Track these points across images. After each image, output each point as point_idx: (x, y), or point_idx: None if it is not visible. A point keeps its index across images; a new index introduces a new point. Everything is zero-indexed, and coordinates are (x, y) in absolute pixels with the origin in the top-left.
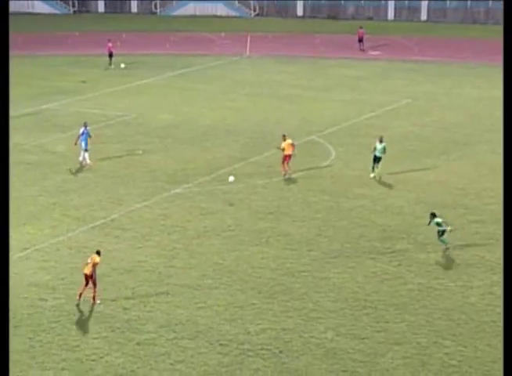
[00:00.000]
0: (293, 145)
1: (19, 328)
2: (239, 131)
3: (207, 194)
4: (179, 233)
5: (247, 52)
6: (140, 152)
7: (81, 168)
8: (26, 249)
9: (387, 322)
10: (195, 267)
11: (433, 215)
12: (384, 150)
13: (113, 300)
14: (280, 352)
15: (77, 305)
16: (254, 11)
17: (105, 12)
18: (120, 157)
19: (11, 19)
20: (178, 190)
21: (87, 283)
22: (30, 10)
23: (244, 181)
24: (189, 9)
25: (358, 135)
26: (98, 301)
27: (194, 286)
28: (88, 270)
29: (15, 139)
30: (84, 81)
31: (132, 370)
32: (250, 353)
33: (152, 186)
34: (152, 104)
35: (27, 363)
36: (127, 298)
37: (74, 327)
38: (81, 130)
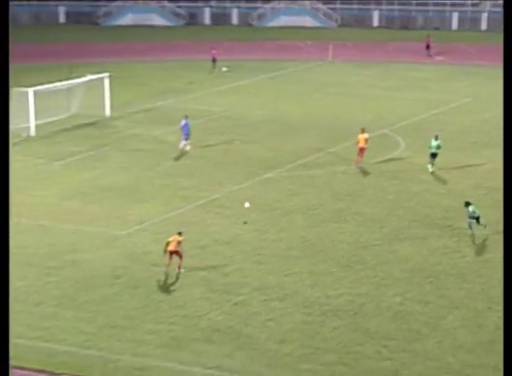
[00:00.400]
0: (366, 140)
1: (136, 289)
2: (321, 126)
3: (294, 178)
4: (270, 212)
5: (330, 58)
6: (237, 142)
7: (185, 154)
8: (143, 222)
9: (447, 289)
10: (283, 240)
11: (467, 204)
12: (438, 146)
13: (214, 267)
14: (355, 313)
15: (165, 273)
16: (336, 22)
17: (210, 24)
18: (221, 146)
19: (134, 30)
20: (269, 175)
21: (170, 259)
22: (149, 23)
23: (325, 168)
24: (281, 21)
25: (424, 129)
26: (182, 270)
27: (282, 256)
28: (173, 247)
29: (135, 130)
30: (191, 83)
31: (230, 326)
32: (329, 314)
33: (247, 171)
34: (248, 102)
35: (143, 317)
36: (225, 266)
37: (182, 289)
38: (182, 122)
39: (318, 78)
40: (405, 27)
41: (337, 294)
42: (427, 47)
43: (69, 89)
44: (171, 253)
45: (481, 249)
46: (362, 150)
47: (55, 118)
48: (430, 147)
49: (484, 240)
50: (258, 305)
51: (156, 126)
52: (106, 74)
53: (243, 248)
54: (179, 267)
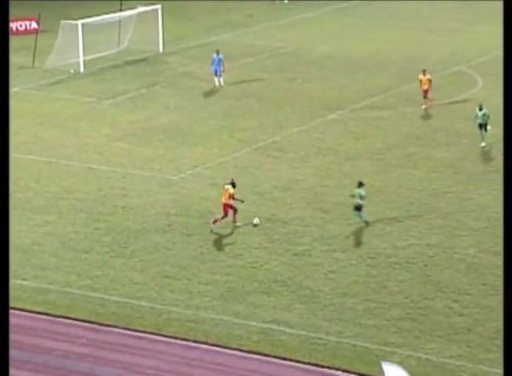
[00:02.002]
0: (430, 81)
1: (190, 237)
2: (390, 62)
3: (359, 120)
4: (333, 156)
5: None
6: (299, 80)
7: (245, 94)
8: (196, 167)
9: None
10: (347, 186)
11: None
12: (485, 116)
13: (273, 215)
14: (425, 265)
15: (211, 231)
16: None
17: None
18: (281, 85)
19: None
20: (332, 116)
21: (226, 214)
22: None
23: (394, 108)
24: None
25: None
26: (238, 224)
27: (346, 204)
28: (224, 199)
29: (189, 67)
30: (250, 15)
31: (289, 278)
32: (396, 266)
33: (309, 111)
34: (310, 37)
35: (198, 267)
36: (285, 213)
37: (239, 237)
38: (213, 57)
39: (387, 11)
40: None
41: (406, 244)
42: None
43: (119, 22)
44: (224, 207)
45: None
46: (426, 91)
47: (105, 53)
48: (476, 117)
49: None
50: (320, 256)
51: (206, 63)
52: (159, 6)
53: (303, 195)
54: (234, 221)
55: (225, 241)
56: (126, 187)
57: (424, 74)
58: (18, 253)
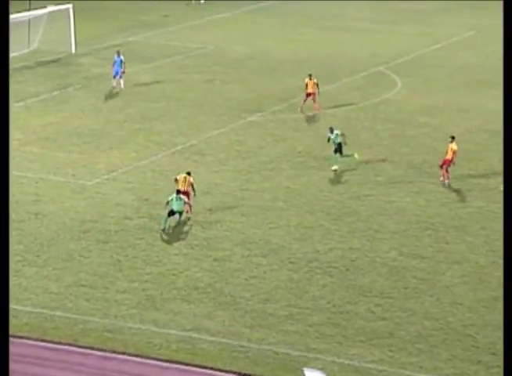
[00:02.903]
0: (316, 84)
1: (107, 244)
2: (308, 63)
3: (279, 122)
4: (253, 159)
5: None
6: (217, 82)
7: (163, 96)
8: (112, 172)
9: (447, 243)
10: (267, 190)
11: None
12: (338, 137)
13: (192, 219)
14: (347, 269)
15: (189, 219)
16: None
17: None
18: (199, 86)
19: None
20: (252, 118)
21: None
22: None
23: (313, 110)
24: None
25: (423, 66)
26: (189, 215)
27: (267, 207)
28: (182, 187)
29: (103, 68)
30: (166, 15)
31: (210, 284)
32: (318, 270)
33: (228, 114)
34: (228, 37)
35: (115, 275)
36: (204, 218)
37: (157, 243)
38: (114, 58)
39: (304, 11)
40: None
41: (327, 248)
42: None
43: (29, 22)
44: (184, 194)
45: (484, 199)
46: (309, 95)
47: (15, 54)
48: (329, 141)
49: (489, 190)
50: (240, 262)
51: (128, 64)
52: (70, 5)
53: (223, 199)
54: (187, 211)
55: (142, 247)
56: (39, 193)
57: (310, 78)
58: None
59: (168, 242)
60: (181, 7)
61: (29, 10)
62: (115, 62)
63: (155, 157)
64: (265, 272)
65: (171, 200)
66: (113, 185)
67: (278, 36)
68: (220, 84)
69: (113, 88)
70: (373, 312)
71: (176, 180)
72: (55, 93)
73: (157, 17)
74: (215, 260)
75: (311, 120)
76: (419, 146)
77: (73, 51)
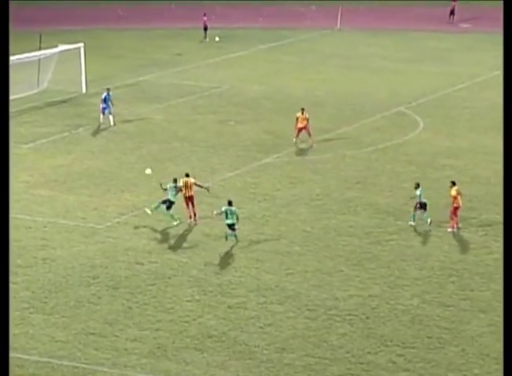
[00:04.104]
0: (307, 119)
1: (117, 290)
2: (327, 103)
3: (296, 164)
4: (269, 202)
5: (338, 26)
6: (232, 123)
7: (175, 137)
8: (123, 215)
9: (472, 290)
10: (284, 234)
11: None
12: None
13: (206, 265)
14: (367, 317)
15: (194, 226)
16: None
17: None
18: (213, 127)
19: None
20: (268, 160)
21: (188, 205)
22: None
23: (332, 151)
24: None
25: (446, 106)
26: (196, 222)
27: (283, 252)
28: (190, 192)
29: (115, 109)
30: (179, 54)
31: (224, 332)
32: (337, 318)
33: (243, 155)
34: (244, 76)
35: (125, 322)
36: (218, 263)
37: (169, 290)
38: (104, 95)
39: (324, 49)
40: None
41: (346, 295)
42: (451, 13)
43: (39, 61)
44: (189, 200)
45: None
46: (300, 130)
47: (24, 94)
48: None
49: None
50: (256, 309)
51: (139, 104)
52: (81, 44)
53: (238, 244)
54: (195, 215)
55: (154, 294)
56: (47, 237)
57: (302, 113)
58: None
59: (181, 288)
60: (194, 45)
61: (39, 49)
62: (105, 99)
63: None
64: (281, 319)
65: (169, 187)
66: (124, 228)
67: (295, 75)
68: (234, 124)
69: (101, 124)
70: (394, 362)
71: (181, 189)
72: (65, 134)
73: (170, 56)
74: (229, 307)
75: (329, 161)
76: (441, 190)
77: (84, 91)
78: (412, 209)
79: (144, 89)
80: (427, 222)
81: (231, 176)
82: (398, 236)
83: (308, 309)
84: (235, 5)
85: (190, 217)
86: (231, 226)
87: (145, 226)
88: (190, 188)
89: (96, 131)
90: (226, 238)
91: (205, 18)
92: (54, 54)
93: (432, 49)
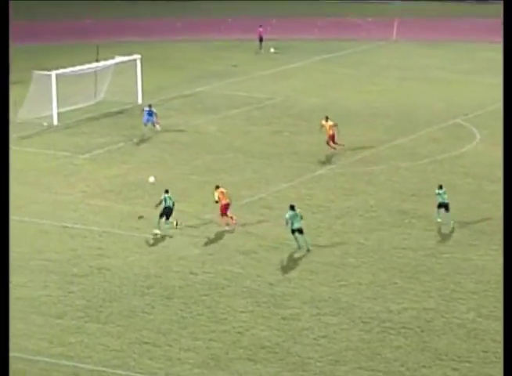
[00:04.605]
0: (335, 125)
1: (171, 300)
2: (384, 114)
3: (350, 175)
4: (323, 213)
5: (394, 37)
6: (287, 134)
7: (230, 148)
8: (178, 224)
9: None
10: (338, 246)
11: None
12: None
13: (259, 276)
14: (422, 331)
15: (232, 232)
16: None
17: None
18: (267, 138)
19: (169, 4)
20: (322, 171)
21: (226, 213)
22: None
23: (387, 163)
24: None
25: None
26: (234, 224)
27: (337, 264)
28: (226, 199)
29: (171, 119)
30: (235, 65)
31: (277, 344)
32: (391, 331)
33: (297, 166)
34: (299, 87)
35: (179, 332)
36: (272, 274)
37: (222, 300)
38: (145, 109)
39: (379, 60)
40: (482, 0)
41: (401, 308)
42: None
43: (96, 73)
44: (226, 207)
45: None
46: (332, 137)
47: (81, 105)
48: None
49: None
50: (309, 320)
51: (195, 115)
52: (138, 56)
53: (292, 255)
54: (232, 218)
55: (207, 304)
56: (102, 247)
57: (327, 121)
58: None
59: (234, 298)
60: (250, 56)
61: (97, 61)
62: (145, 112)
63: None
64: (334, 331)
65: (164, 199)
66: (177, 238)
67: (351, 86)
68: (289, 135)
69: (144, 135)
70: None
71: (216, 201)
72: (120, 145)
73: (226, 67)
74: (283, 318)
75: (383, 173)
76: (498, 203)
77: (140, 102)
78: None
79: (200, 100)
80: (449, 224)
81: (285, 187)
82: (454, 249)
83: (362, 322)
84: (290, 17)
85: (227, 224)
86: (299, 231)
87: (198, 236)
88: (226, 196)
89: (151, 142)
90: (299, 246)
91: (261, 29)
92: (111, 65)
93: (489, 60)
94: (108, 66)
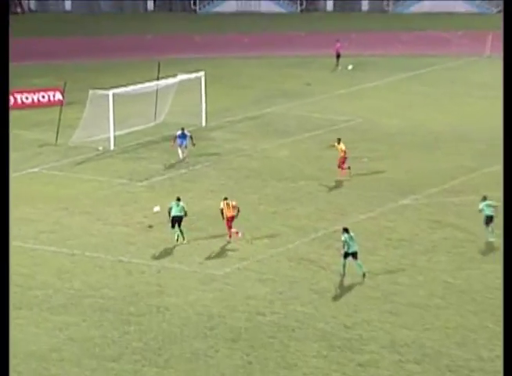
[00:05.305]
0: (344, 151)
1: (236, 343)
2: (473, 138)
3: (437, 206)
4: (406, 248)
5: (488, 52)
6: (365, 159)
7: (302, 175)
8: (243, 260)
9: None
10: (422, 285)
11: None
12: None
13: (334, 317)
14: None
15: (229, 243)
16: (497, 7)
17: (333, 11)
18: (344, 164)
19: (237, 18)
20: (405, 201)
21: (230, 225)
22: (257, 9)
23: (478, 193)
24: (424, 5)
25: None
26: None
27: (421, 305)
28: (231, 212)
29: (237, 143)
30: (308, 84)
31: None
32: None
33: (377, 196)
34: (379, 108)
35: None
36: (348, 316)
37: (292, 344)
38: (178, 133)
39: (470, 78)
40: None
41: (493, 356)
42: None
43: (157, 92)
44: (231, 220)
45: None
46: (343, 160)
47: (140, 128)
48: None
49: None
50: (390, 368)
51: (263, 138)
52: (202, 73)
53: (370, 294)
54: (237, 233)
55: (276, 348)
56: (161, 284)
57: (339, 143)
58: (34, 361)
59: (305, 342)
60: (325, 74)
61: (158, 79)
62: (179, 136)
63: (292, 244)
64: None
65: (171, 208)
66: (244, 275)
67: (436, 107)
68: (368, 162)
69: (184, 159)
70: None
71: (222, 213)
72: (182, 171)
73: (298, 86)
74: (359, 364)
75: (473, 204)
76: None
77: (204, 124)
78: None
79: (269, 122)
80: (490, 237)
81: (363, 219)
82: None
83: (450, 370)
84: (371, 31)
85: (230, 236)
86: (354, 255)
87: (266, 272)
88: (232, 209)
89: (216, 168)
90: (364, 275)
91: (338, 44)
92: (173, 84)
93: None
94: (170, 85)
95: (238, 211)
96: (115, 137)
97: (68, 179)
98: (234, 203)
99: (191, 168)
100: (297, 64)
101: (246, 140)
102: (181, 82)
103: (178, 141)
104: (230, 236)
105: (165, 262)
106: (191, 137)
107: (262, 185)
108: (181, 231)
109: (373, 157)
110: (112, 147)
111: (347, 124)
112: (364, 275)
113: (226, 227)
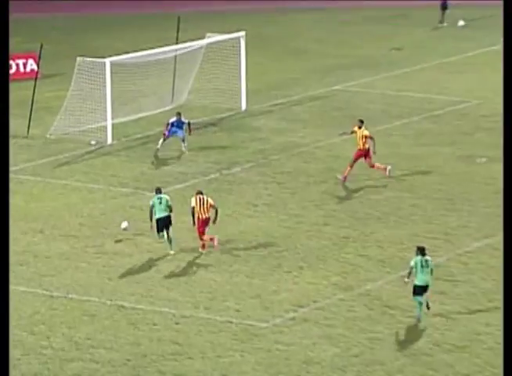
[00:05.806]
0: (370, 137)
1: None
2: None
3: None
4: None
5: None
6: (483, 160)
7: (387, 182)
8: (301, 307)
9: None
10: None
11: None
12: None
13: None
14: None
15: (200, 255)
16: None
17: None
18: (448, 166)
19: None
20: None
21: (203, 231)
22: None
23: None
24: None
25: None
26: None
27: None
28: (206, 213)
29: (292, 136)
30: (398, 48)
31: None
32: None
33: (497, 213)
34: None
35: None
36: None
37: None
38: (171, 120)
39: None
40: None
41: None
42: None
43: (174, 61)
44: (205, 223)
45: None
46: (359, 156)
47: (150, 113)
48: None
49: None
50: None
51: (331, 129)
52: (242, 34)
53: (480, 356)
54: (212, 240)
55: None
56: (180, 340)
57: (360, 127)
58: None
59: None
60: (424, 34)
61: (176, 42)
62: (172, 123)
63: (371, 283)
64: None
65: (152, 206)
66: (303, 329)
67: None
68: (486, 162)
69: (158, 150)
70: None
71: (193, 212)
72: (212, 176)
73: (382, 51)
74: None
75: None
76: None
77: (244, 107)
78: None
79: (338, 105)
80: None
81: (479, 247)
82: None
83: None
84: None
85: (204, 246)
86: (425, 289)
87: (337, 326)
88: (207, 208)
89: (261, 173)
90: (420, 318)
91: None
92: (199, 49)
93: None
94: (195, 51)
95: (216, 212)
96: (113, 126)
97: (45, 188)
98: (211, 201)
99: (224, 171)
100: (381, 19)
101: (305, 131)
102: (210, 46)
103: (172, 130)
104: (203, 247)
105: (185, 309)
106: (189, 124)
107: (328, 196)
108: (169, 239)
109: (493, 157)
110: (109, 141)
111: (456, 108)
112: (428, 308)
113: (198, 234)
